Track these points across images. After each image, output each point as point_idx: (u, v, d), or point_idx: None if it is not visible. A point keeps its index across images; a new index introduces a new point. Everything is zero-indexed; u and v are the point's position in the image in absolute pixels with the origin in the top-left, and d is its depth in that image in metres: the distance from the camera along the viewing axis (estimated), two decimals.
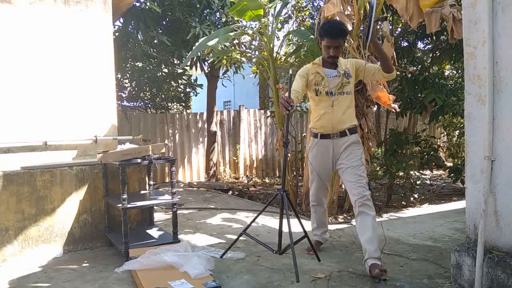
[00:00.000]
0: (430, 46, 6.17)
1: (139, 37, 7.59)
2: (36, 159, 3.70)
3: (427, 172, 7.82)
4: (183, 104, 11.80)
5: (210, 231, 4.19)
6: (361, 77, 3.15)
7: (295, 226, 4.23)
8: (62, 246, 3.53)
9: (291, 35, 6.40)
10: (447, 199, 5.64)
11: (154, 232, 3.74)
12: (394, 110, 4.59)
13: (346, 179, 2.99)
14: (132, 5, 5.60)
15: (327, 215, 3.51)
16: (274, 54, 5.56)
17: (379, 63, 3.10)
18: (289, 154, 5.67)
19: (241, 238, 3.91)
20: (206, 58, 8.04)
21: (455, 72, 7.24)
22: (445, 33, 4.75)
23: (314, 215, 3.39)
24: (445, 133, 8.19)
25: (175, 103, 11.38)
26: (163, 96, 9.51)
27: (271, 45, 5.48)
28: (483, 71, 2.27)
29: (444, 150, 8.32)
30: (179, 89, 9.78)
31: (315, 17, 7.77)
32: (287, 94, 2.93)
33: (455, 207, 4.96)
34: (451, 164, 6.77)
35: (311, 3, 9.13)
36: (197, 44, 5.22)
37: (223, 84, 9.23)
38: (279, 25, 6.77)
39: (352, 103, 3.07)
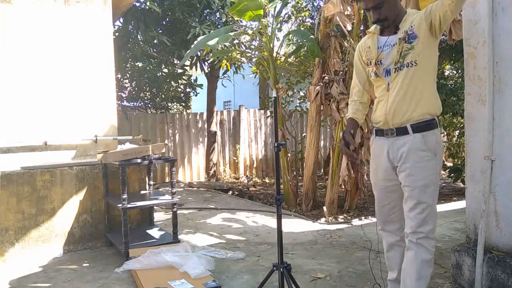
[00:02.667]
0: None
1: (139, 37, 7.59)
2: (36, 159, 3.70)
3: None
4: (183, 104, 11.80)
5: (210, 231, 4.19)
6: (435, 24, 1.90)
7: (295, 226, 4.25)
8: (62, 246, 3.53)
9: (291, 35, 6.40)
10: (447, 199, 5.64)
11: (154, 232, 3.74)
12: None
13: (403, 201, 2.02)
14: (132, 5, 5.60)
15: (399, 256, 2.17)
16: (274, 54, 5.56)
17: None
18: (289, 154, 5.68)
19: (241, 238, 3.93)
20: (206, 58, 8.05)
21: (455, 72, 7.24)
22: (444, 33, 4.76)
23: (383, 243, 2.28)
24: (445, 133, 8.19)
25: (175, 103, 11.39)
26: (163, 96, 9.51)
27: (271, 45, 5.48)
28: (483, 71, 2.27)
29: (444, 150, 8.32)
30: (179, 89, 9.79)
31: (315, 17, 7.78)
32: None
33: (455, 207, 4.96)
34: (451, 164, 6.78)
35: (311, 3, 9.13)
36: (195, 42, 5.21)
37: (223, 84, 9.24)
38: (279, 25, 6.77)
39: (422, 79, 1.95)
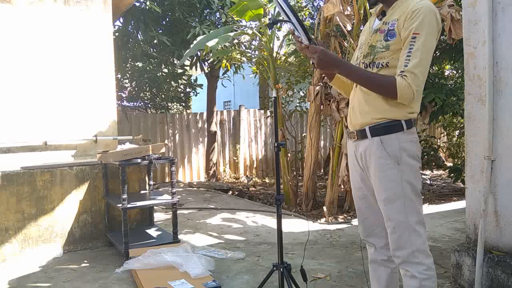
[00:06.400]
0: None
1: (139, 37, 7.59)
2: (36, 159, 3.70)
3: (427, 172, 7.83)
4: (183, 104, 11.80)
5: (210, 231, 4.19)
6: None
7: (295, 226, 4.24)
8: (62, 246, 3.53)
9: (291, 35, 6.40)
10: (447, 199, 5.64)
11: (154, 232, 3.74)
12: None
13: None
14: (132, 5, 5.60)
15: (383, 276, 1.85)
16: (274, 54, 5.56)
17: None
18: (289, 154, 5.68)
19: (241, 238, 3.93)
20: (206, 58, 8.05)
21: (455, 72, 7.24)
22: (444, 33, 4.77)
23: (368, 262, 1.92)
24: (445, 133, 8.20)
25: (175, 103, 11.38)
26: (163, 96, 9.51)
27: (271, 45, 5.48)
28: (483, 71, 2.27)
29: (444, 150, 8.33)
30: (179, 89, 9.79)
31: (315, 17, 7.78)
32: None
33: (455, 207, 4.96)
34: (451, 164, 6.78)
35: (311, 3, 9.13)
36: (195, 42, 5.20)
37: (223, 84, 9.23)
38: (279, 25, 6.77)
39: None
